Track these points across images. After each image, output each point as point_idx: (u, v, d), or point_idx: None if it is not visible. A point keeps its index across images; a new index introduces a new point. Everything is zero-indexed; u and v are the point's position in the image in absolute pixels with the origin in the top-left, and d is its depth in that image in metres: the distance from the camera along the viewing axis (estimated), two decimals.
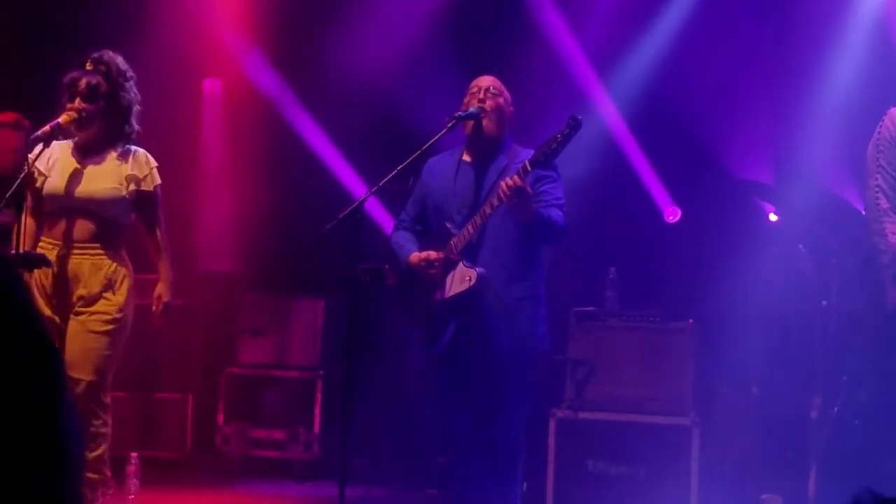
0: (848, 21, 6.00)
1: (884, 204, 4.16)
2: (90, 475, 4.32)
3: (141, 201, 4.40)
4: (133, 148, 4.41)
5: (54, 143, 4.37)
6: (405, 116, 6.20)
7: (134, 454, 5.53)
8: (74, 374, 4.21)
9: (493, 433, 4.23)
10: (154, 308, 4.47)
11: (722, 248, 5.87)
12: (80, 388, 4.22)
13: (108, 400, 4.34)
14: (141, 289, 4.59)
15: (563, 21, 6.64)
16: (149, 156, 4.43)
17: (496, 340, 4.16)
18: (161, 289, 4.46)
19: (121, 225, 4.38)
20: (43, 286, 4.29)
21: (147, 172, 4.39)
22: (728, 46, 6.19)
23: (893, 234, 4.12)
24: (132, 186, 4.35)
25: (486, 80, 4.38)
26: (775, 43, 6.18)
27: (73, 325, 4.26)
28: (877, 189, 4.20)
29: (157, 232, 4.45)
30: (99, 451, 4.32)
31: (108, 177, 4.32)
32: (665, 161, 6.52)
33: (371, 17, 6.77)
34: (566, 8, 6.65)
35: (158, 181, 4.44)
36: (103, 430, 4.33)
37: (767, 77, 6.20)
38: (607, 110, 6.58)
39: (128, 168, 4.36)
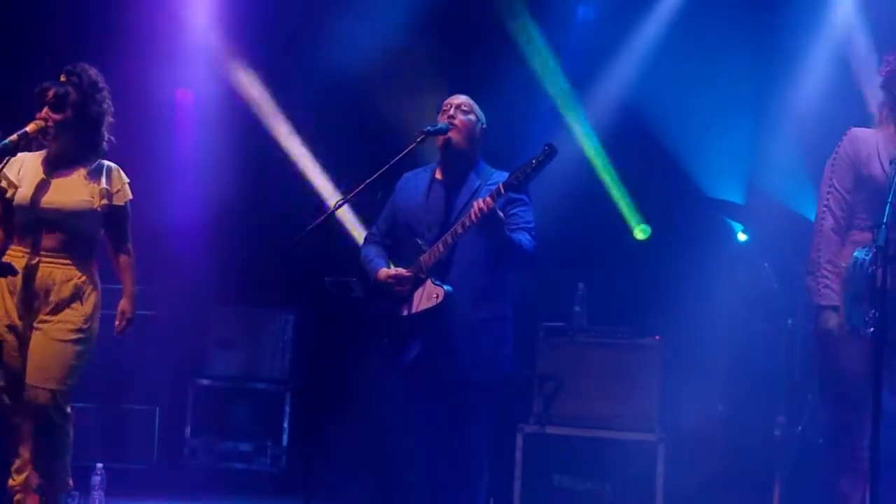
0: (814, 44, 6.09)
1: (828, 223, 4.16)
2: (52, 484, 4.30)
3: (111, 216, 4.38)
4: (106, 163, 4.40)
5: (25, 154, 4.36)
6: (382, 128, 6.22)
7: (100, 465, 5.50)
8: (37, 383, 4.19)
9: (455, 449, 4.25)
10: (117, 322, 4.46)
11: (690, 266, 5.92)
12: (42, 396, 4.19)
13: (69, 410, 4.31)
14: (109, 298, 4.57)
15: (541, 38, 6.70)
16: (121, 171, 4.42)
17: (460, 359, 4.17)
18: (125, 304, 4.45)
19: (90, 237, 4.36)
20: (10, 294, 4.27)
21: (119, 188, 4.38)
22: (702, 66, 6.26)
23: (825, 285, 4.15)
24: (104, 201, 4.33)
25: (458, 99, 4.41)
26: (749, 64, 6.25)
27: (38, 334, 4.24)
28: (825, 209, 4.20)
29: (125, 247, 4.44)
30: (61, 461, 4.30)
31: (79, 189, 4.30)
32: (636, 178, 6.57)
33: (350, 25, 6.78)
34: (544, 25, 6.70)
35: (130, 197, 4.42)
36: (66, 439, 4.31)
37: (740, 98, 6.27)
38: (581, 127, 6.63)
39: (102, 182, 4.34)
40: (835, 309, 4.06)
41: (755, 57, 6.20)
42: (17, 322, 4.27)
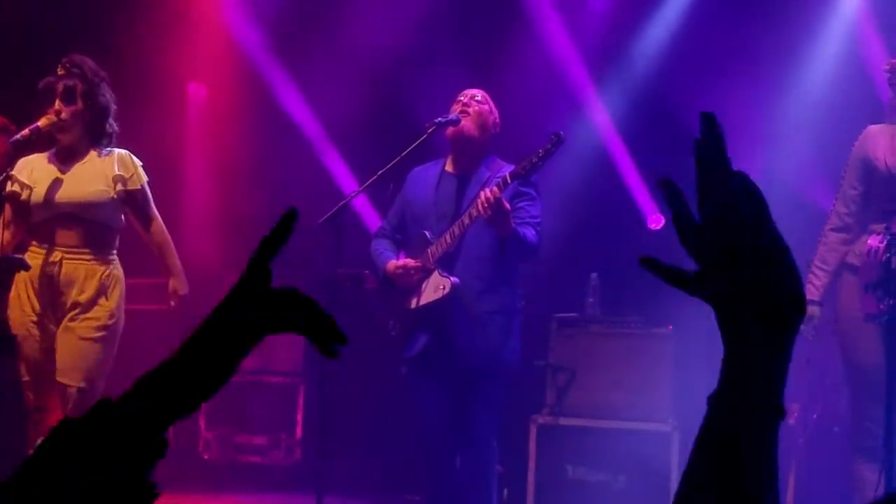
0: (827, 36, 6.08)
1: (829, 224, 4.35)
2: None
3: (130, 201, 4.38)
4: (117, 150, 4.40)
5: (31, 157, 4.37)
6: (401, 119, 6.21)
7: None
8: (65, 381, 4.21)
9: (464, 440, 4.26)
10: (172, 303, 4.46)
11: None
12: (71, 394, 4.21)
13: None
14: (130, 294, 4.57)
15: (559, 23, 6.69)
16: (132, 156, 4.42)
17: (466, 351, 4.18)
18: (174, 283, 4.44)
19: (111, 227, 4.35)
20: (33, 291, 4.28)
21: (133, 171, 4.37)
22: (718, 53, 6.24)
23: (809, 280, 4.26)
24: (119, 187, 4.32)
25: (473, 90, 4.42)
26: (765, 52, 6.23)
27: (65, 331, 4.24)
28: (831, 210, 4.36)
29: (153, 227, 4.42)
30: None
31: (93, 179, 4.31)
32: (650, 167, 6.55)
33: (369, 15, 6.79)
34: (563, 10, 6.69)
35: (146, 179, 4.41)
36: None
37: (757, 86, 6.24)
38: (598, 115, 6.62)
39: (114, 169, 4.34)
40: (812, 303, 4.31)
41: (771, 46, 6.18)
42: (40, 318, 4.28)
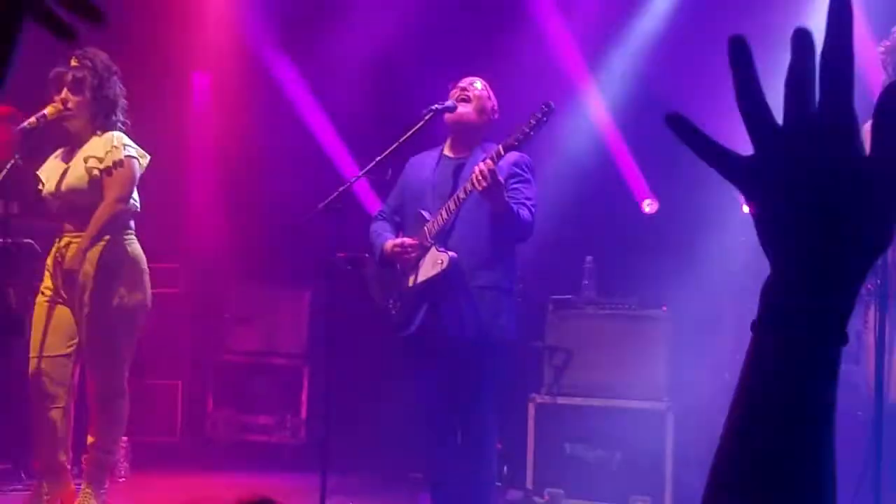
0: (812, 18, 6.14)
1: None
2: (102, 455, 4.46)
3: (105, 177, 4.39)
4: (110, 132, 4.41)
5: (53, 154, 4.49)
6: (403, 104, 6.29)
7: (124, 438, 5.67)
8: (87, 365, 4.38)
9: (463, 416, 4.35)
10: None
11: (696, 238, 5.98)
12: (96, 377, 4.36)
13: (125, 385, 4.46)
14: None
15: (556, 11, 6.76)
16: (117, 135, 4.41)
17: (461, 326, 4.25)
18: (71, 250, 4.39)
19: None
20: (53, 277, 4.42)
21: (108, 149, 4.37)
22: (714, 37, 6.27)
23: None
24: (91, 164, 4.38)
25: (472, 78, 4.52)
26: (756, 37, 6.26)
27: (81, 317, 4.38)
28: None
29: (106, 201, 4.36)
30: (114, 434, 4.47)
31: (77, 165, 4.42)
32: (645, 151, 6.63)
33: (369, 3, 6.85)
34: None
35: (121, 157, 4.36)
36: (120, 414, 4.47)
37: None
38: (594, 99, 6.69)
39: (91, 151, 4.39)
40: None
41: (760, 31, 6.22)
42: (53, 300, 4.41)
